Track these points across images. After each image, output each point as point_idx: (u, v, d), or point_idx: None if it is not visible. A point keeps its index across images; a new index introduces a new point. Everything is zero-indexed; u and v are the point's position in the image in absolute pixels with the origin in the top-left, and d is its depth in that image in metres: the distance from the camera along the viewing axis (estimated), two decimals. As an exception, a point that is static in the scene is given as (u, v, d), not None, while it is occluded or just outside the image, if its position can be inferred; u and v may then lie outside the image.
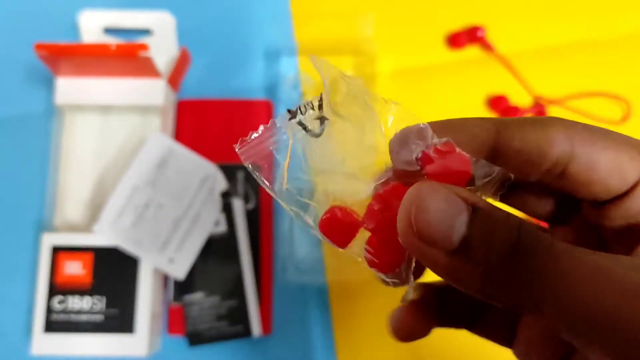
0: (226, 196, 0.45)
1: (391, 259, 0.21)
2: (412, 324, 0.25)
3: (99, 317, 0.41)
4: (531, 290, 0.17)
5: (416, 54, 0.50)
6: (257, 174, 0.21)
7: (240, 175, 0.46)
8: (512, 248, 0.17)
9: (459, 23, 0.51)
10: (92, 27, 0.49)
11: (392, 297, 0.46)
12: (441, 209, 0.17)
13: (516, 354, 0.24)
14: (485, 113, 0.49)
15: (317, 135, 0.21)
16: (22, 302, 0.44)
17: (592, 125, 0.21)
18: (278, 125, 0.21)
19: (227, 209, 0.45)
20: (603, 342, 0.16)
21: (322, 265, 0.46)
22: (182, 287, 0.44)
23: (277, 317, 0.45)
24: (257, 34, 0.50)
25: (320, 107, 0.21)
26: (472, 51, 0.51)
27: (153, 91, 0.45)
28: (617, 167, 0.20)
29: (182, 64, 0.47)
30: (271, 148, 0.21)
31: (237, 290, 0.44)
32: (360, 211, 0.21)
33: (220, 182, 0.45)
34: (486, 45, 0.50)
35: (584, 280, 0.16)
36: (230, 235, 0.44)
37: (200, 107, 0.47)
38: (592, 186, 0.21)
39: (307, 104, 0.21)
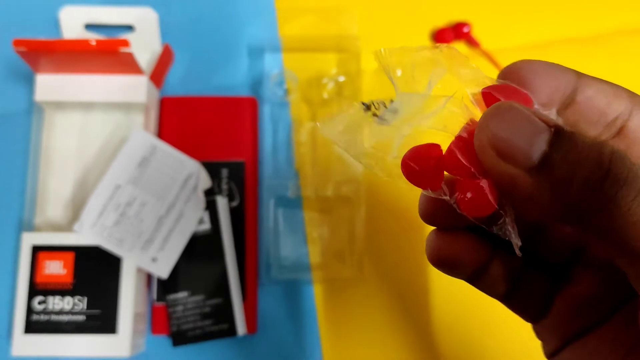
0: (210, 194, 0.45)
1: (483, 202, 0.19)
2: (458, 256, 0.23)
3: (80, 318, 0.41)
4: (619, 225, 0.16)
5: (401, 50, 0.50)
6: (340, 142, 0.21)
7: (224, 173, 0.46)
8: (602, 174, 0.16)
9: (444, 19, 0.51)
10: (72, 23, 0.48)
11: (377, 296, 0.46)
12: (521, 125, 0.17)
13: (540, 329, 0.24)
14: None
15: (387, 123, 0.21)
16: (1, 302, 0.44)
17: None
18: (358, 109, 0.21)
19: (211, 207, 0.44)
20: None
21: (307, 262, 0.46)
22: (166, 287, 0.44)
23: (262, 316, 0.45)
24: (241, 31, 0.50)
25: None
26: (457, 47, 0.50)
27: (135, 88, 0.44)
28: (606, 98, 0.21)
29: (164, 60, 0.46)
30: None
31: (221, 289, 0.44)
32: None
33: (204, 180, 0.44)
34: (472, 42, 0.50)
35: None
36: (214, 234, 0.44)
37: (184, 104, 0.47)
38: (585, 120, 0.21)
39: (379, 102, 0.22)
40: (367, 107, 0.21)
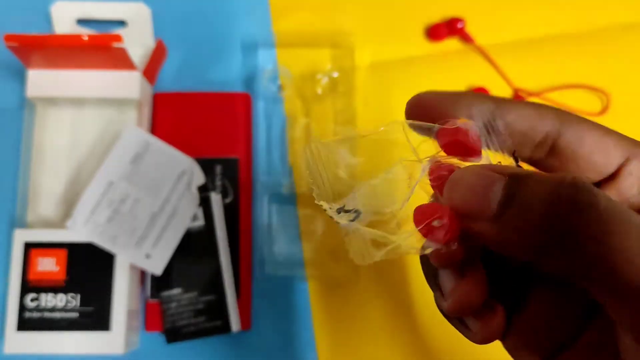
0: (204, 190, 0.45)
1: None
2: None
3: (73, 315, 0.41)
4: (578, 257, 0.16)
5: (395, 46, 0.50)
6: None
7: (218, 169, 0.45)
8: (555, 207, 0.17)
9: (438, 15, 0.51)
10: (64, 18, 0.47)
11: (372, 293, 0.46)
12: (472, 183, 0.19)
13: (507, 347, 0.24)
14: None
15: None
16: (-6, 300, 0.43)
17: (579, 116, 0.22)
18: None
19: (205, 204, 0.44)
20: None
21: (301, 259, 0.46)
22: (160, 283, 0.43)
23: (256, 312, 0.45)
24: (234, 26, 0.50)
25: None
26: (451, 43, 0.50)
27: (128, 84, 0.44)
28: (602, 146, 0.21)
29: (157, 56, 0.46)
30: None
31: (215, 286, 0.43)
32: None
33: (198, 176, 0.44)
34: (466, 37, 0.50)
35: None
36: (208, 230, 0.44)
37: (177, 100, 0.47)
38: (579, 161, 0.21)
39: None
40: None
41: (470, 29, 0.50)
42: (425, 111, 0.22)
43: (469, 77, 0.50)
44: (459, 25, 0.49)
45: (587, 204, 0.16)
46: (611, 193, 0.21)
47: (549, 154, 0.22)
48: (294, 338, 0.45)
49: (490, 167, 0.19)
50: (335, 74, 0.48)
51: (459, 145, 0.21)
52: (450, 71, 0.50)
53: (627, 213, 0.16)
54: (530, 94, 0.49)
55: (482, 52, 0.50)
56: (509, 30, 0.51)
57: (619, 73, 0.50)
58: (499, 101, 0.22)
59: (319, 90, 0.47)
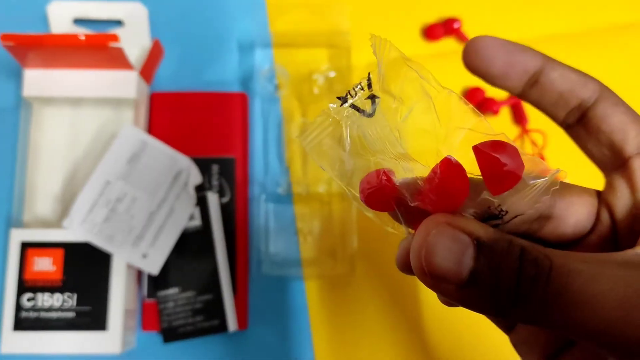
0: (200, 190, 0.45)
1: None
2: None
3: (70, 315, 0.41)
4: (538, 314, 0.18)
5: (392, 46, 0.50)
6: (319, 161, 0.22)
7: (214, 169, 0.45)
8: (517, 277, 0.18)
9: (434, 15, 0.51)
10: (61, 18, 0.47)
11: (369, 292, 0.46)
12: (448, 248, 0.18)
13: (513, 341, 0.24)
14: (461, 105, 0.49)
15: (370, 115, 0.21)
16: (-10, 299, 0.43)
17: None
18: (332, 113, 0.21)
19: (202, 203, 0.44)
20: (611, 351, 0.18)
21: (298, 259, 0.46)
22: (157, 283, 0.43)
23: (253, 312, 0.45)
24: (231, 26, 0.50)
25: (369, 85, 0.21)
26: (448, 43, 0.51)
27: (125, 83, 0.44)
28: (624, 130, 0.22)
29: (154, 55, 0.46)
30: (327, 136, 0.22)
31: (212, 285, 0.43)
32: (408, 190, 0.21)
33: (195, 176, 0.44)
34: (462, 38, 0.50)
35: (581, 299, 0.17)
36: (205, 230, 0.44)
37: (174, 100, 0.47)
38: (600, 137, 0.22)
39: (356, 86, 0.21)
40: (344, 100, 0.21)
41: (467, 29, 0.50)
42: (471, 54, 0.24)
43: (465, 77, 0.49)
44: (456, 26, 0.50)
45: (536, 276, 0.18)
46: (620, 183, 0.22)
47: (578, 121, 0.23)
48: (291, 337, 0.45)
49: (461, 226, 0.19)
50: (332, 74, 0.48)
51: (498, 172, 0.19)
52: (447, 71, 0.50)
53: (581, 265, 0.18)
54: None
55: (479, 52, 0.50)
56: (505, 30, 0.51)
57: (613, 73, 0.50)
58: (547, 58, 0.23)
59: (316, 90, 0.47)
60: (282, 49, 0.49)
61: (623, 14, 0.51)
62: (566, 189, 0.23)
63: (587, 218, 0.22)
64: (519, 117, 0.49)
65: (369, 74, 0.21)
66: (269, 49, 0.49)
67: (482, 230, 0.19)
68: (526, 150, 0.48)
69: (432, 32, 0.50)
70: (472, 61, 0.24)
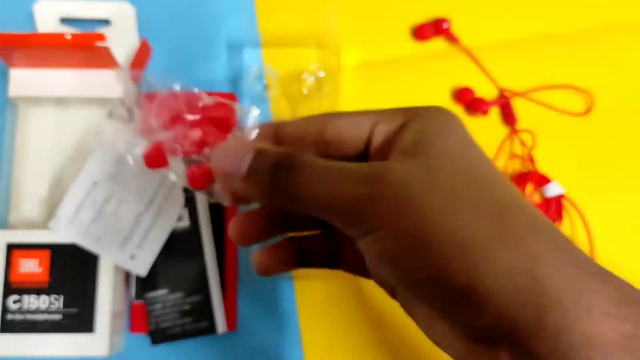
0: (189, 190, 0.44)
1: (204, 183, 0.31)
2: (274, 266, 0.33)
3: (56, 317, 0.40)
4: (287, 194, 0.26)
5: (381, 46, 0.50)
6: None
7: (203, 169, 0.45)
8: (275, 167, 0.26)
9: (424, 15, 0.51)
10: (47, 17, 0.47)
11: (359, 293, 0.45)
12: (230, 150, 0.28)
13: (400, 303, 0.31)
14: (451, 105, 0.49)
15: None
16: (-25, 302, 0.43)
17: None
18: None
19: (190, 204, 0.44)
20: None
21: (287, 259, 0.46)
22: (145, 284, 0.43)
23: (242, 313, 0.45)
24: (220, 25, 0.49)
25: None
26: (437, 43, 0.51)
27: (112, 83, 0.43)
28: (355, 123, 0.28)
29: (142, 55, 0.46)
30: None
31: (201, 287, 0.43)
32: None
33: (183, 177, 0.44)
34: (451, 38, 0.50)
35: (321, 179, 0.25)
36: (194, 230, 0.44)
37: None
38: (345, 142, 0.28)
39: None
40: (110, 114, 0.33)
41: (456, 29, 0.50)
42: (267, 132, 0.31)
43: (454, 77, 0.50)
44: (445, 26, 0.50)
45: (297, 165, 0.26)
46: (378, 157, 0.28)
47: (325, 146, 0.29)
48: (281, 338, 0.45)
49: (244, 142, 0.29)
50: (321, 74, 0.47)
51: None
52: (436, 71, 0.50)
53: (317, 162, 0.26)
54: (515, 94, 0.49)
55: (468, 53, 0.50)
56: (494, 30, 0.51)
57: (603, 74, 0.50)
58: (326, 116, 0.30)
59: (305, 90, 0.47)
60: (271, 49, 0.49)
61: (612, 14, 0.51)
62: (342, 117, 0.29)
63: (359, 139, 0.28)
64: (508, 117, 0.49)
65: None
66: (257, 48, 0.49)
67: (265, 146, 0.28)
68: (515, 150, 0.48)
69: (421, 32, 0.50)
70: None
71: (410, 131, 0.26)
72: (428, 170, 0.24)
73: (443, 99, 0.49)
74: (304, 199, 0.25)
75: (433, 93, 0.49)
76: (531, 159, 0.47)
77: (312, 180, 0.25)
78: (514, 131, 0.48)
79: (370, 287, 0.46)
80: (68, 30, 0.47)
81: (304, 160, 0.26)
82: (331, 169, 0.25)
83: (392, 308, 0.46)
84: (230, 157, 0.27)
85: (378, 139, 0.28)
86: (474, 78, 0.49)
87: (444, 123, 0.27)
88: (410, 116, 0.27)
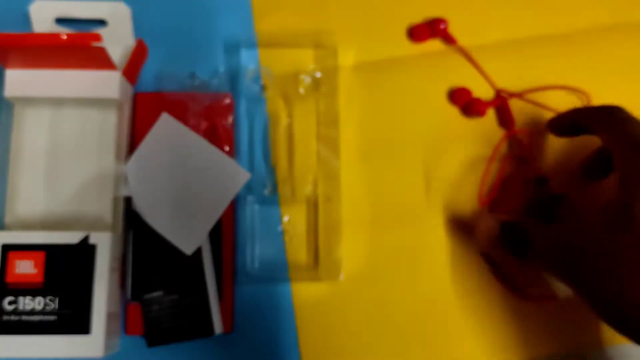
0: (185, 191, 0.44)
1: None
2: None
3: (52, 318, 0.40)
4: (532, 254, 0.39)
5: (378, 46, 0.50)
6: None
7: (199, 170, 0.45)
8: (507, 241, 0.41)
9: (420, 16, 0.51)
10: (43, 17, 0.47)
11: (355, 295, 0.45)
12: (484, 226, 0.43)
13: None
14: (447, 106, 0.49)
15: None
16: (-30, 304, 0.42)
17: None
18: None
19: (187, 205, 0.44)
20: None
21: (284, 261, 0.46)
22: (141, 286, 0.43)
23: (239, 315, 0.44)
24: (216, 26, 0.49)
25: None
26: (434, 44, 0.50)
27: (108, 83, 0.43)
28: None
29: (138, 55, 0.46)
30: None
31: (197, 288, 0.43)
32: None
33: (179, 177, 0.44)
34: (448, 38, 0.50)
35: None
36: (190, 232, 0.43)
37: (159, 100, 0.46)
38: None
39: None
40: None
41: (453, 30, 0.50)
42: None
43: (451, 78, 0.50)
44: (442, 26, 0.49)
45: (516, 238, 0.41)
46: None
47: None
48: (277, 340, 0.44)
49: (494, 217, 0.43)
50: (318, 74, 0.47)
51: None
52: (433, 72, 0.50)
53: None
54: (512, 95, 0.49)
55: (465, 53, 0.50)
56: (491, 31, 0.51)
57: (599, 74, 0.50)
58: None
59: (302, 90, 0.47)
60: (267, 49, 0.49)
61: (607, 15, 0.51)
62: None
63: None
64: (505, 118, 0.49)
65: None
66: (254, 49, 0.49)
67: (504, 220, 0.42)
68: (513, 151, 0.48)
69: (417, 32, 0.50)
70: None
71: None
72: None
73: (440, 100, 0.49)
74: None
75: (430, 93, 0.49)
76: (528, 160, 0.47)
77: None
78: (511, 132, 0.48)
79: (367, 289, 0.46)
80: (64, 31, 0.47)
81: (531, 229, 0.40)
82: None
83: (390, 311, 0.45)
84: (482, 228, 0.44)
85: None
86: (471, 78, 0.49)
87: None
88: None
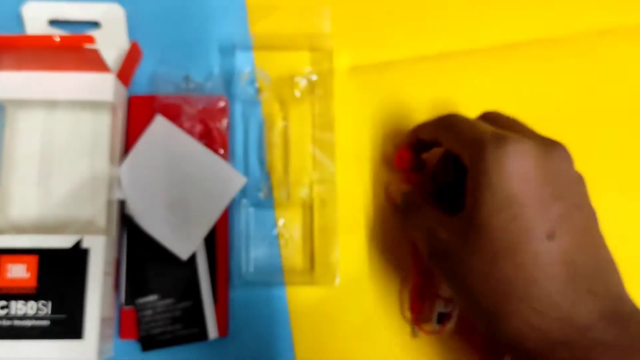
0: (180, 195, 0.44)
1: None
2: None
3: (44, 323, 0.39)
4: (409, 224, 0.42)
5: (374, 49, 0.50)
6: None
7: (194, 173, 0.45)
8: (406, 207, 0.43)
9: (415, 18, 0.50)
10: (36, 19, 0.46)
11: (351, 299, 0.45)
12: (395, 192, 0.44)
13: None
14: (443, 109, 0.48)
15: None
16: (-39, 308, 0.42)
17: None
18: None
19: (181, 208, 0.43)
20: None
21: (279, 265, 0.45)
22: (135, 290, 0.43)
23: (234, 319, 0.44)
24: (211, 28, 0.49)
25: None
26: (430, 47, 0.50)
27: (102, 86, 0.43)
28: None
29: (132, 58, 0.45)
30: None
31: (191, 292, 0.43)
32: None
33: (174, 180, 0.44)
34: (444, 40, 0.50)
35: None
36: (184, 235, 0.43)
37: (153, 103, 0.46)
38: None
39: None
40: None
41: (447, 33, 0.50)
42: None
43: (448, 81, 0.49)
44: (437, 29, 0.49)
45: (409, 207, 0.43)
46: None
47: None
48: (272, 344, 0.44)
49: (401, 187, 0.45)
50: (314, 77, 0.47)
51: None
52: (429, 75, 0.50)
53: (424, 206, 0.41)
54: (510, 96, 0.49)
55: (462, 56, 0.50)
56: (483, 35, 0.51)
57: (593, 79, 0.50)
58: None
59: (297, 93, 0.47)
60: (263, 52, 0.48)
61: (602, 19, 0.51)
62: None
63: None
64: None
65: None
66: (249, 51, 0.48)
67: (408, 190, 0.44)
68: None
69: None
70: None
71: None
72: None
73: (436, 103, 0.49)
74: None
75: (426, 97, 0.49)
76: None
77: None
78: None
79: (363, 293, 0.46)
80: (57, 32, 0.46)
81: (421, 207, 0.40)
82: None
83: (385, 314, 0.45)
84: (392, 194, 0.45)
85: None
86: (468, 82, 0.49)
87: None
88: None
